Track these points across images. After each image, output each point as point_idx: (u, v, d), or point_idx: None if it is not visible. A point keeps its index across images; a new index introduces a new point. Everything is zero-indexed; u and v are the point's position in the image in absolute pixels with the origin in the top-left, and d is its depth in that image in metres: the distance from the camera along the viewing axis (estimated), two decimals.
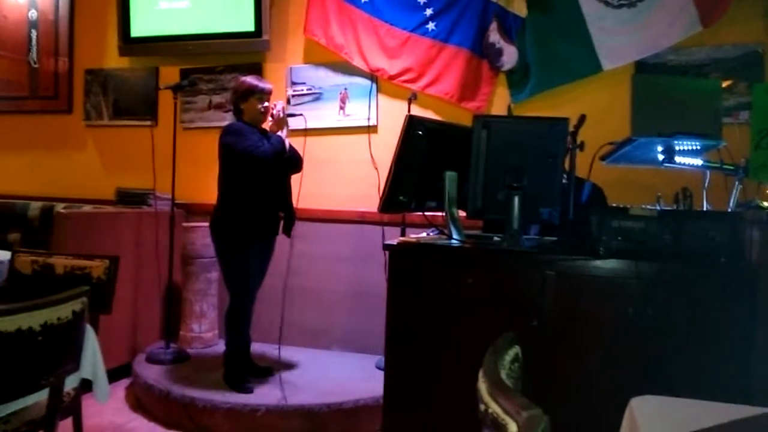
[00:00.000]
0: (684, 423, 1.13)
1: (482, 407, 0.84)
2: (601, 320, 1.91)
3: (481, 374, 0.90)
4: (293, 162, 3.17)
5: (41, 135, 4.69)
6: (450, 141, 2.40)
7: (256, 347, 3.41)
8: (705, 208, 2.26)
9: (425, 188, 2.36)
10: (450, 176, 2.22)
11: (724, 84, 3.09)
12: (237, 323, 3.14)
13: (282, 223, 3.21)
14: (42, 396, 1.69)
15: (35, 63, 4.62)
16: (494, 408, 0.78)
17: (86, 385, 2.10)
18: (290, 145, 3.12)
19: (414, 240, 2.26)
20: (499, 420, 0.76)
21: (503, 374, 0.92)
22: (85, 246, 3.28)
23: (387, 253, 2.22)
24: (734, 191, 2.16)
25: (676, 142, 2.06)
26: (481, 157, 2.09)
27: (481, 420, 0.85)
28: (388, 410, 2.16)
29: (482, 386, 0.86)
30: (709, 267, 1.84)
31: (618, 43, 3.26)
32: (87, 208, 3.80)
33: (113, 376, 3.53)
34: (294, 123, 3.22)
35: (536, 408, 0.71)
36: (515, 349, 1.07)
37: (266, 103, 3.09)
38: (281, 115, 3.06)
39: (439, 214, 2.34)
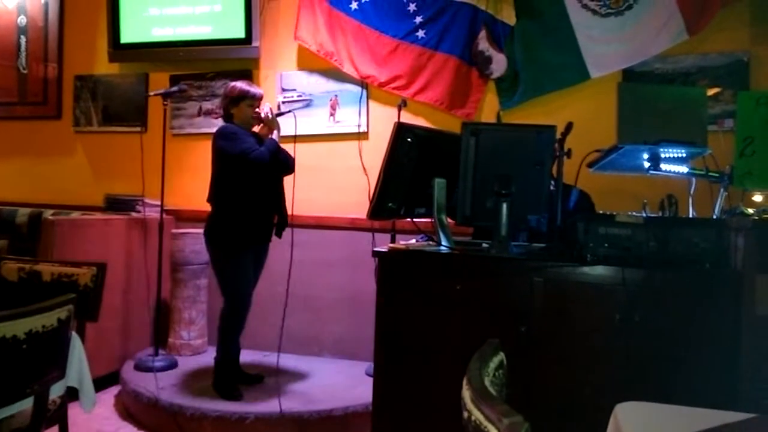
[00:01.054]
0: (668, 429, 1.14)
1: (465, 414, 0.84)
2: (588, 326, 1.92)
3: (465, 382, 0.91)
4: (285, 164, 3.17)
5: (30, 141, 4.67)
6: (439, 148, 2.41)
7: (246, 354, 3.39)
8: (691, 215, 2.29)
9: (414, 195, 2.36)
10: (439, 183, 2.23)
11: (712, 92, 3.12)
12: (230, 329, 3.12)
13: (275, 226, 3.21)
14: (27, 404, 1.67)
15: (24, 69, 4.60)
16: (477, 415, 0.79)
17: (73, 394, 2.08)
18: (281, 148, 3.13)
19: (403, 246, 2.27)
20: (481, 427, 0.76)
21: (487, 381, 0.92)
22: (73, 253, 3.26)
23: (377, 259, 2.23)
24: (719, 198, 2.19)
25: (661, 149, 2.09)
26: (470, 164, 2.11)
27: (464, 427, 0.85)
28: (377, 417, 2.16)
29: (466, 394, 0.87)
30: (695, 273, 1.86)
31: (605, 51, 3.30)
32: (75, 214, 3.79)
33: (102, 383, 3.51)
34: (285, 125, 3.21)
35: (517, 415, 0.71)
36: (500, 356, 1.08)
37: (257, 109, 3.10)
38: (269, 116, 3.07)
39: (428, 220, 2.35)
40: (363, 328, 3.38)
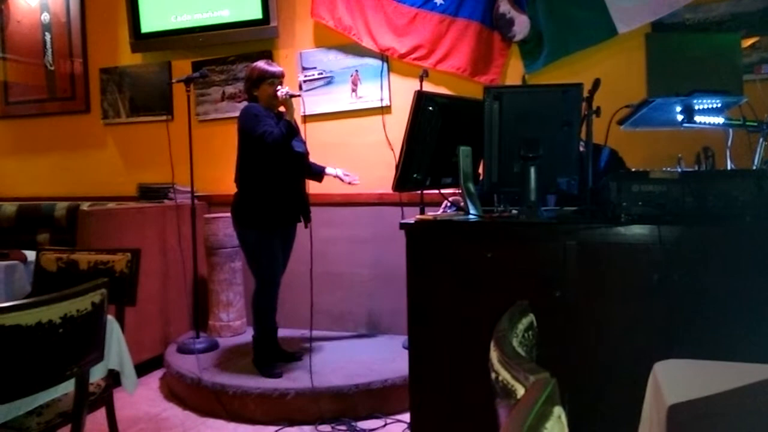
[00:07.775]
0: (708, 384, 1.10)
1: (493, 375, 0.82)
2: (626, 288, 1.87)
3: (492, 343, 0.89)
4: (298, 152, 3.11)
5: (62, 136, 4.77)
6: (462, 115, 2.36)
7: (284, 333, 3.44)
8: (729, 167, 2.19)
9: (440, 165, 2.33)
10: (464, 151, 2.19)
11: (748, 42, 2.97)
12: (263, 308, 3.17)
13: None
14: (72, 388, 1.72)
15: (51, 65, 4.68)
16: (504, 375, 0.77)
17: (117, 380, 2.14)
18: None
19: (431, 217, 2.24)
20: (508, 387, 0.75)
21: (515, 342, 0.90)
22: (110, 242, 3.34)
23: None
24: (758, 148, 2.09)
25: (695, 100, 2.00)
26: (494, 130, 2.06)
27: (492, 388, 0.83)
28: (415, 388, 2.16)
29: (493, 355, 0.85)
30: (735, 227, 1.78)
31: (632, 4, 3.16)
32: (111, 205, 3.86)
33: (147, 367, 3.62)
34: (307, 104, 3.17)
35: (544, 372, 0.69)
36: (529, 318, 1.05)
37: (278, 87, 3.06)
38: (284, 97, 3.01)
39: (456, 190, 2.32)
40: (398, 302, 3.36)
